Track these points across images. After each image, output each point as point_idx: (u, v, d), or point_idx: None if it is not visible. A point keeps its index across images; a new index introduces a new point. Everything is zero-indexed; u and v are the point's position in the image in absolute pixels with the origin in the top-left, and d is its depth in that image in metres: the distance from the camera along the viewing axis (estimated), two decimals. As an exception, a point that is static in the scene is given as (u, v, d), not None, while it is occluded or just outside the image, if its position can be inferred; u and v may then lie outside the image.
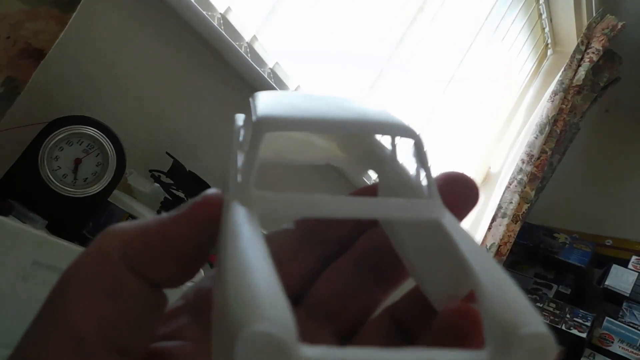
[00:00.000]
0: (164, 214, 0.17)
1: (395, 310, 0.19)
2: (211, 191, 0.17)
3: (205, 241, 0.17)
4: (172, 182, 1.09)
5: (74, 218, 0.84)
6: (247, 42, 1.29)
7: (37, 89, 0.92)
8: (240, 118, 0.21)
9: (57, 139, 0.82)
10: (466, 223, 1.75)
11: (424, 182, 0.18)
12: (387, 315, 0.19)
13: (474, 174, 2.40)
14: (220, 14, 1.20)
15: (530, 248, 2.64)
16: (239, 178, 0.16)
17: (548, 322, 2.34)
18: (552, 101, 2.29)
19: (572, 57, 2.33)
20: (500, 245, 2.22)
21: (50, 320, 0.16)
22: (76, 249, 0.80)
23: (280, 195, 0.16)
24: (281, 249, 0.19)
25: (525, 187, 2.29)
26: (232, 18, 1.24)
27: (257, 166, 0.16)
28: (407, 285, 0.20)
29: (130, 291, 0.16)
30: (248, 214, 0.15)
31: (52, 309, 0.16)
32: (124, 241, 0.16)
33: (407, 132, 0.17)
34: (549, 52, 2.63)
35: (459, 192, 0.18)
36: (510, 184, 2.28)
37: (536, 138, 2.29)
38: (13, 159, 0.81)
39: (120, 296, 0.16)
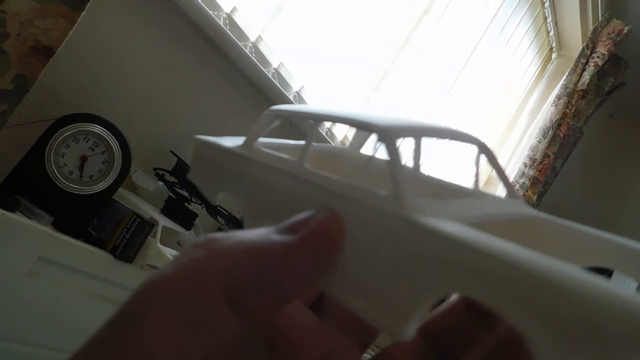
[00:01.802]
0: (271, 234, 0.15)
1: (429, 329, 0.19)
2: (328, 211, 0.16)
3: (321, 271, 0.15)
4: (175, 180, 1.10)
5: (79, 215, 0.85)
6: (252, 42, 1.29)
7: (45, 87, 0.92)
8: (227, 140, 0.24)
9: (63, 136, 0.83)
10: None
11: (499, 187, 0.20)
12: (421, 334, 0.18)
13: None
14: (226, 13, 1.21)
15: (531, 252, 2.63)
16: (396, 191, 0.16)
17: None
18: (556, 105, 2.29)
19: (577, 61, 2.33)
20: (501, 249, 2.22)
21: (122, 339, 0.14)
22: (81, 246, 0.81)
23: (437, 202, 0.17)
24: None
25: (527, 191, 2.29)
26: (238, 18, 1.24)
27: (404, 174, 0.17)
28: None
29: (220, 325, 0.14)
30: (439, 219, 0.16)
31: (126, 327, 0.14)
32: (230, 267, 0.14)
33: (472, 139, 0.21)
34: (554, 55, 2.63)
35: None
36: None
37: (539, 142, 2.28)
38: (20, 156, 0.81)
39: (207, 329, 0.14)
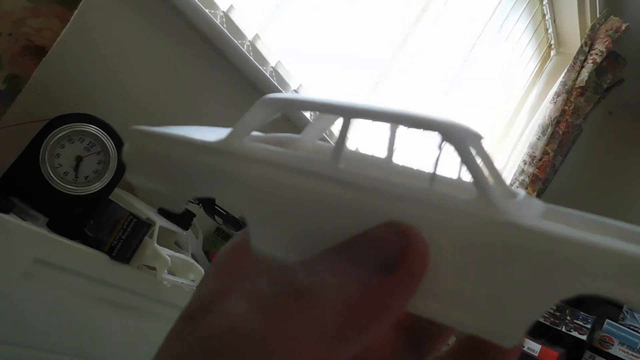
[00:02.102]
0: (363, 272, 0.15)
1: (406, 322, 0.19)
2: (411, 230, 0.15)
3: None
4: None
5: (75, 216, 0.84)
6: (249, 41, 1.28)
7: (39, 86, 0.92)
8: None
9: (58, 136, 0.82)
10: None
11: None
12: (398, 327, 0.19)
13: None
14: (223, 12, 1.20)
15: (531, 249, 2.63)
16: (491, 199, 0.16)
17: (548, 323, 2.33)
18: (555, 102, 2.29)
19: (576, 58, 2.32)
20: (501, 247, 2.22)
21: None
22: (77, 247, 0.80)
23: (516, 202, 0.17)
24: None
25: (526, 189, 2.28)
26: (235, 16, 1.24)
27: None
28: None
29: None
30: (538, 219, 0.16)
31: None
32: (331, 328, 0.14)
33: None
34: (552, 53, 2.62)
35: None
36: (512, 185, 2.28)
37: (538, 139, 2.28)
38: (14, 156, 0.81)
39: None
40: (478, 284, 0.15)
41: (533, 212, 0.17)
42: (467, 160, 0.16)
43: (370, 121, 0.18)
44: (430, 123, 0.17)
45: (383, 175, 0.17)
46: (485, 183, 0.16)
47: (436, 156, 0.17)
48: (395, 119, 0.17)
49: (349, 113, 0.18)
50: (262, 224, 0.18)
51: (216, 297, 0.17)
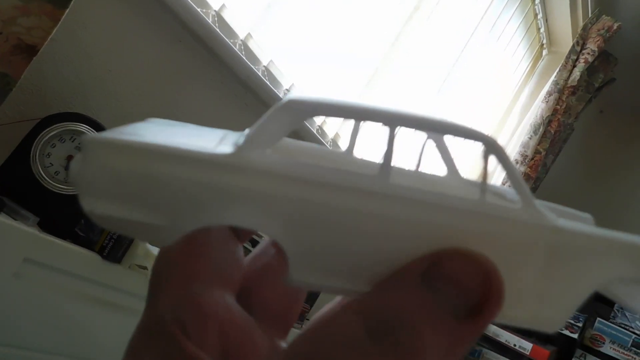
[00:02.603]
0: (448, 320, 0.15)
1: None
2: (498, 275, 0.15)
3: None
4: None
5: (66, 215, 0.84)
6: (241, 40, 1.28)
7: (30, 85, 0.91)
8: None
9: (49, 135, 0.82)
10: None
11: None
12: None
13: (468, 173, 2.41)
14: (214, 11, 1.20)
15: (523, 248, 2.64)
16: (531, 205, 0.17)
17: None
18: (547, 102, 2.30)
19: (567, 57, 2.34)
20: (493, 245, 2.23)
21: None
22: (68, 247, 0.80)
23: (546, 204, 0.19)
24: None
25: (519, 187, 2.29)
26: (227, 15, 1.24)
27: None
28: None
29: None
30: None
31: None
32: None
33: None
34: (544, 52, 2.64)
35: None
36: (504, 184, 2.29)
37: (530, 138, 2.29)
38: (5, 156, 0.80)
39: None
40: (528, 284, 0.17)
41: (554, 213, 0.19)
42: (509, 170, 0.18)
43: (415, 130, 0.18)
44: (475, 134, 0.18)
45: (430, 187, 0.17)
46: (528, 192, 0.17)
47: (483, 167, 0.18)
48: (442, 128, 0.18)
49: (395, 121, 0.17)
50: (304, 253, 0.16)
51: (194, 315, 0.17)
